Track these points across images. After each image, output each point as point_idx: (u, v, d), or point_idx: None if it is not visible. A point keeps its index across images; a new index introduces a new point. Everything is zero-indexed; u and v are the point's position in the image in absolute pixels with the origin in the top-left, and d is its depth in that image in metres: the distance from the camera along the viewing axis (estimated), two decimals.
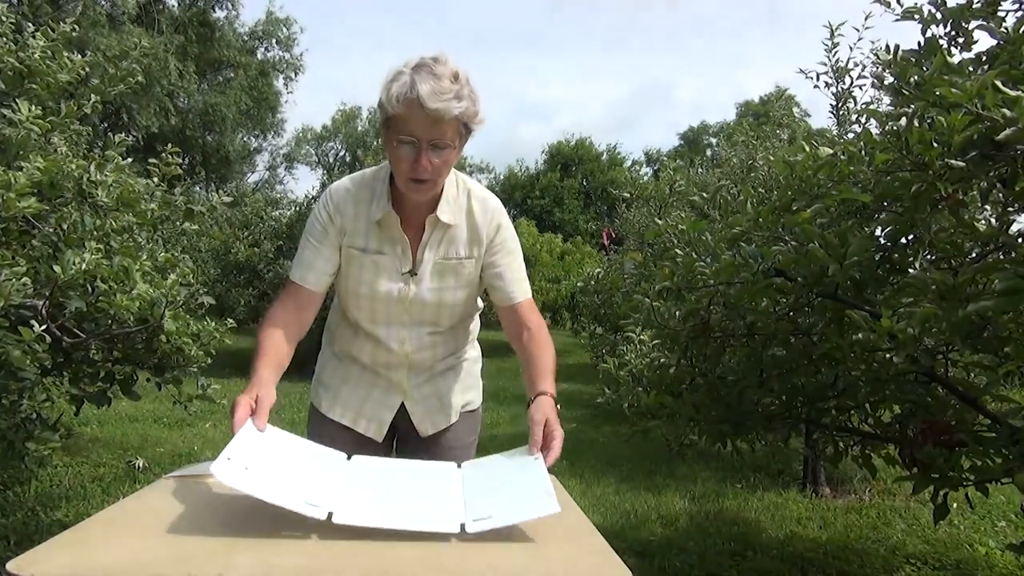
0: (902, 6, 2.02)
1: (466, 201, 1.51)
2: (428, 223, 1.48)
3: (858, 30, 3.10)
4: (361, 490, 1.13)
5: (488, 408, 6.22)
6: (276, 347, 1.40)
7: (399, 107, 1.31)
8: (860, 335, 1.71)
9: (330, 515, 1.01)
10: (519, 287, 1.55)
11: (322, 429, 1.64)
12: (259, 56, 18.12)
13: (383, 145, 1.45)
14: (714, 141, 28.06)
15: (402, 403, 1.63)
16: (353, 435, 1.62)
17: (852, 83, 3.48)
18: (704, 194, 2.44)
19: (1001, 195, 1.70)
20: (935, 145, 1.53)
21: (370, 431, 1.62)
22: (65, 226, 2.15)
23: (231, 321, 2.77)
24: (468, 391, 1.70)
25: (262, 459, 1.12)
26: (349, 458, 1.29)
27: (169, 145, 2.70)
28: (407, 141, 1.34)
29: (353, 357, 1.63)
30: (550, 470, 1.18)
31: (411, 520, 1.02)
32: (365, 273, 1.50)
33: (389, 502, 1.10)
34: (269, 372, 1.34)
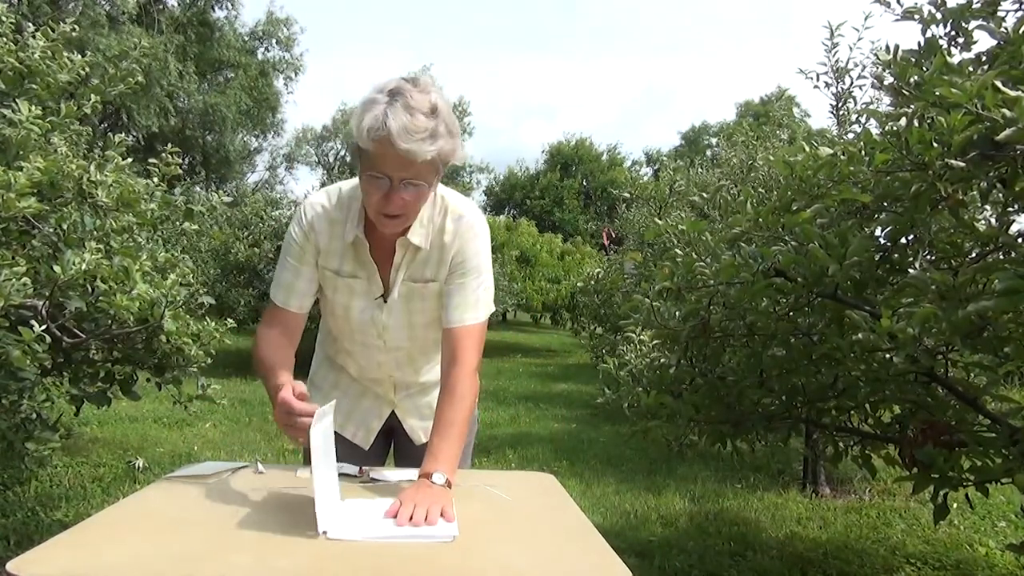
0: (902, 6, 2.02)
1: (441, 220, 1.43)
2: (399, 245, 1.42)
3: (858, 30, 3.11)
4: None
5: (488, 408, 6.24)
6: (283, 363, 1.37)
7: (369, 142, 1.23)
8: (860, 335, 1.71)
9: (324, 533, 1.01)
10: (458, 313, 1.42)
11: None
12: (259, 56, 18.15)
13: (356, 171, 1.36)
14: (714, 141, 28.05)
15: (393, 411, 1.62)
16: (339, 439, 1.61)
17: (852, 83, 3.49)
18: (704, 194, 2.44)
19: (1001, 195, 1.70)
20: (935, 145, 1.53)
21: (357, 438, 1.62)
22: (65, 226, 2.15)
23: (231, 321, 2.77)
24: None
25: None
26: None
27: (169, 145, 2.70)
28: (378, 176, 1.27)
29: (341, 367, 1.63)
30: (552, 470, 1.17)
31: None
32: (339, 296, 1.47)
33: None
34: (291, 378, 1.32)
